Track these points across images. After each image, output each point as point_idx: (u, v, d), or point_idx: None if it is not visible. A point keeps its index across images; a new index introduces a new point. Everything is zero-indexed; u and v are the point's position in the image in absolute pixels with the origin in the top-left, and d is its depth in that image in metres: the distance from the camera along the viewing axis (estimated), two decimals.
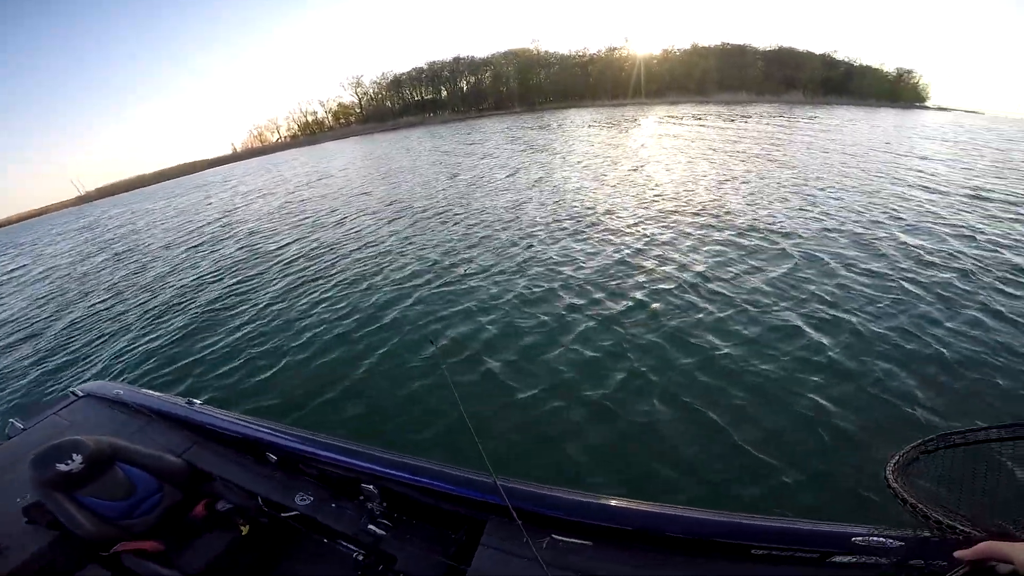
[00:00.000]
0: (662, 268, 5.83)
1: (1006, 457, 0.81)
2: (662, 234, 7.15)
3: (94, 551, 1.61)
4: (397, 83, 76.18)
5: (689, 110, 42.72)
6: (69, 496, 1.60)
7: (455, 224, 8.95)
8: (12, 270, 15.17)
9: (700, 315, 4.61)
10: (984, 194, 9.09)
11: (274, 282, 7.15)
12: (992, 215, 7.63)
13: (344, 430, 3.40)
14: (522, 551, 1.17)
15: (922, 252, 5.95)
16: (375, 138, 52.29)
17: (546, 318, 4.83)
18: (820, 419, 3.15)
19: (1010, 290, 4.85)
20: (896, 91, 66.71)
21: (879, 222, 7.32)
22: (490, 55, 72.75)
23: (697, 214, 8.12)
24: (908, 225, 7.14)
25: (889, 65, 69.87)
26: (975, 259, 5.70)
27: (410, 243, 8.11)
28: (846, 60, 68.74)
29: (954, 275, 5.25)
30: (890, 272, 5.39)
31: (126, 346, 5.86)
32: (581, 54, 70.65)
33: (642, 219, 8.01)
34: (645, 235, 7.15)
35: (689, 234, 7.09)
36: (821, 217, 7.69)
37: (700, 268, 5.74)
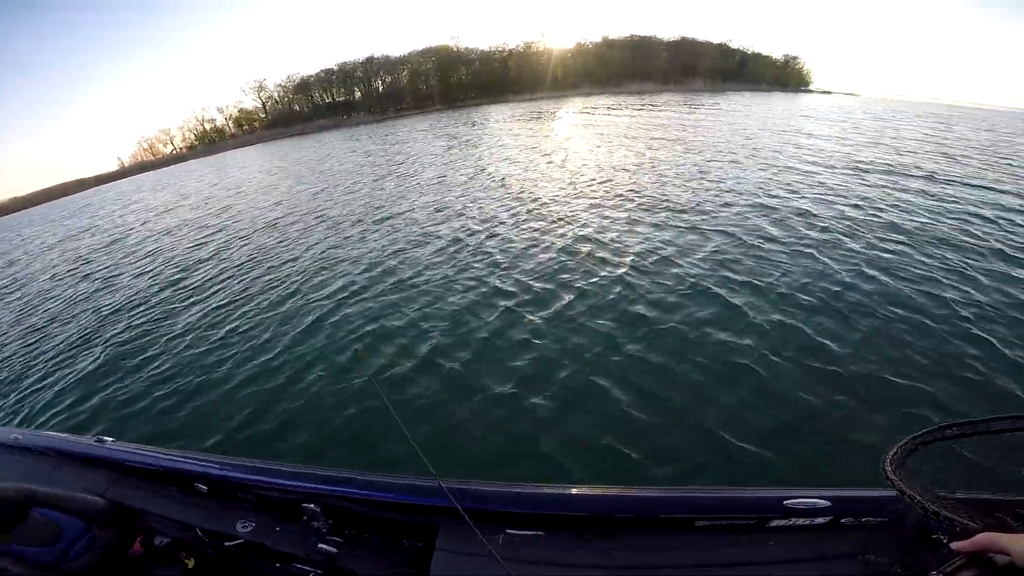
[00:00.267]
0: (598, 254, 5.98)
1: (1004, 449, 0.81)
2: (593, 221, 7.34)
3: None
4: (305, 86, 71.89)
5: (604, 101, 44.57)
6: None
7: (381, 230, 8.52)
8: None
9: (635, 296, 4.78)
10: (864, 166, 10.52)
11: (183, 311, 6.41)
12: (872, 184, 8.83)
13: (281, 457, 3.23)
14: (478, 550, 1.16)
15: (819, 219, 6.74)
16: (284, 143, 49.32)
17: (483, 315, 4.77)
18: (743, 379, 3.38)
19: (889, 246, 5.70)
20: (784, 77, 74.44)
21: (778, 196, 8.18)
22: (407, 53, 71.12)
23: (623, 199, 8.48)
24: (803, 196, 8.04)
25: (777, 53, 77.52)
26: (860, 223, 6.56)
27: (333, 254, 7.59)
28: (740, 48, 75.52)
29: (846, 238, 6.01)
30: (795, 239, 5.99)
31: (20, 393, 5.06)
32: (500, 49, 71.06)
33: (574, 209, 8.16)
34: (578, 223, 7.29)
35: (618, 219, 7.35)
36: (728, 193, 8.47)
37: (634, 251, 5.95)
